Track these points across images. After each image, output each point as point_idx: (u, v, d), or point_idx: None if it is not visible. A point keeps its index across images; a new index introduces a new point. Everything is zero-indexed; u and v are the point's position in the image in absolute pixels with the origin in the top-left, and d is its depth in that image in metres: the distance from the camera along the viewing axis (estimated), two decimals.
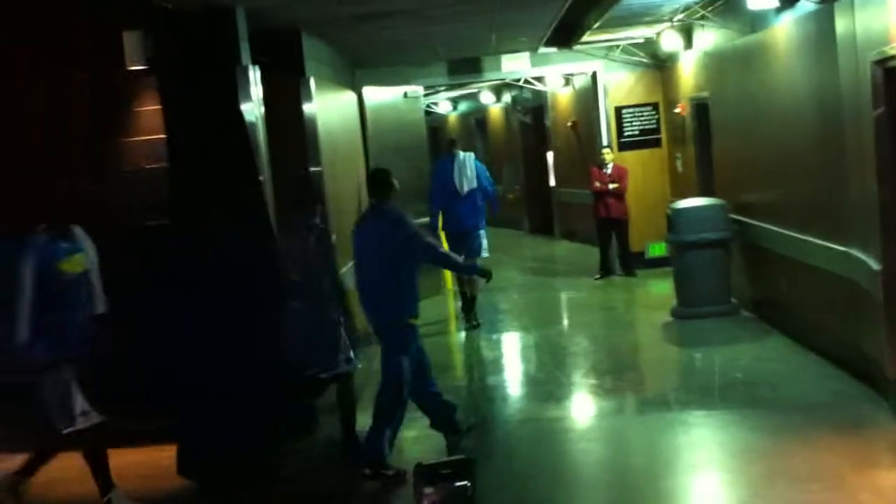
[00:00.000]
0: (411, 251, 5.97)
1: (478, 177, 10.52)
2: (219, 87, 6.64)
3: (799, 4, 7.40)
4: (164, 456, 6.35)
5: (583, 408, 7.66)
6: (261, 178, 6.77)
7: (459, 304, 10.84)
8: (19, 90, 6.92)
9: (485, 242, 10.44)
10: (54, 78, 6.90)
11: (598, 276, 12.57)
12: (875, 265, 6.27)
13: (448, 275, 12.25)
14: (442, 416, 6.43)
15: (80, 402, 5.50)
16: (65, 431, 5.45)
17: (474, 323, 10.38)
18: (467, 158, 10.62)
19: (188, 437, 6.15)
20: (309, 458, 6.57)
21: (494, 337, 10.18)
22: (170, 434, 6.25)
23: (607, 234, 12.54)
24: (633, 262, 12.58)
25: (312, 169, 8.41)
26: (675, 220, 9.81)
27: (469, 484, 1.53)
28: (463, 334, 10.36)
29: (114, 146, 7.00)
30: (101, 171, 6.93)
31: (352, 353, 6.45)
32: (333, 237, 6.63)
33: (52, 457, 5.73)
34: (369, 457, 5.89)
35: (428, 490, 1.56)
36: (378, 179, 6.22)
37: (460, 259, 7.58)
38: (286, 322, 6.24)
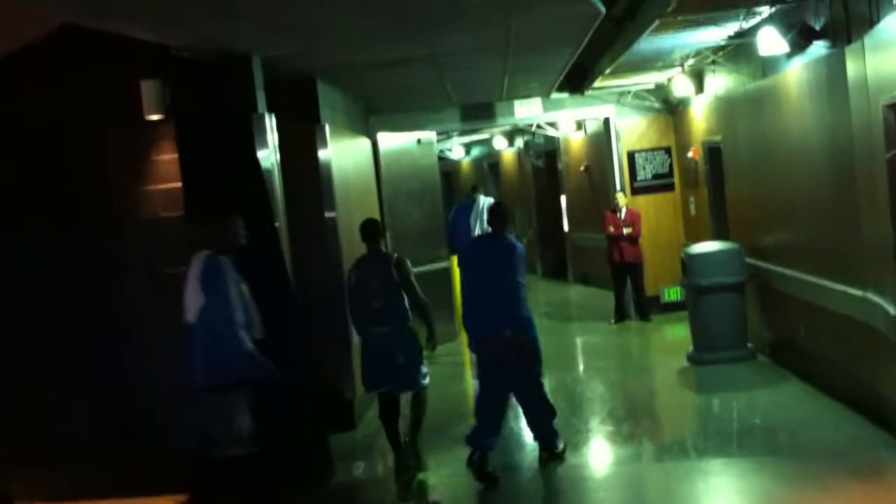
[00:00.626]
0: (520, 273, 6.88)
1: None
2: (235, 135, 6.71)
3: (810, 49, 7.45)
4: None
5: (600, 455, 7.60)
6: (276, 224, 6.82)
7: None
8: (35, 136, 6.99)
9: None
10: (73, 126, 6.97)
11: (613, 320, 12.53)
12: (892, 309, 6.23)
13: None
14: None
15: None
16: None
17: None
18: (486, 203, 11.96)
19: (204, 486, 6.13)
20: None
21: None
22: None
23: (622, 278, 12.53)
24: (649, 307, 12.55)
25: (327, 214, 8.46)
26: (689, 264, 9.79)
27: None
28: (472, 383, 10.31)
29: (133, 195, 7.05)
30: (119, 220, 6.98)
31: (424, 369, 7.11)
32: (409, 264, 7.20)
33: None
34: (551, 443, 7.02)
35: None
36: (498, 214, 7.17)
37: None
38: (372, 346, 6.85)
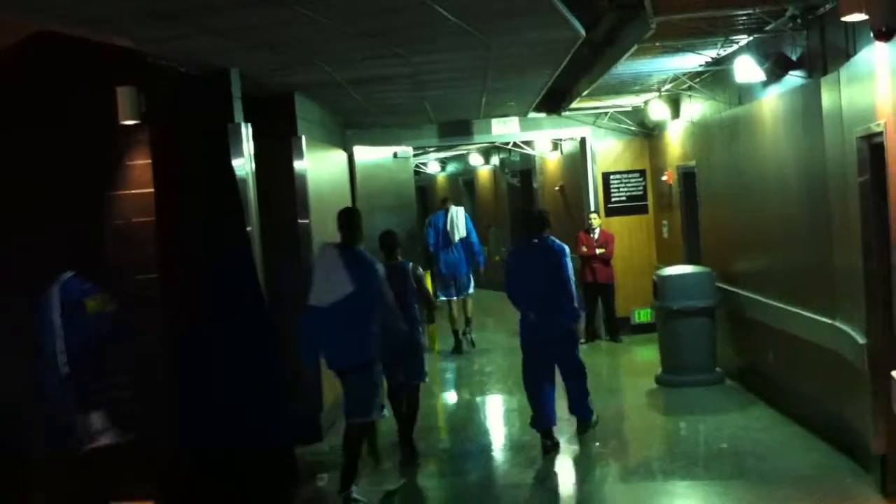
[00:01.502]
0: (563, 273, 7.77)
1: (467, 228, 13.04)
2: (211, 143, 6.69)
3: (786, 79, 7.53)
4: None
5: (566, 474, 7.59)
6: (249, 228, 6.80)
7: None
8: (14, 142, 6.92)
9: (472, 280, 13.15)
10: (49, 130, 6.90)
11: (583, 340, 12.54)
12: (860, 338, 6.28)
13: (434, 334, 12.26)
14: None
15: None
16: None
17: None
18: (458, 212, 13.17)
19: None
20: None
21: (479, 399, 10.13)
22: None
23: (594, 298, 12.56)
24: (619, 328, 12.59)
25: (300, 221, 8.46)
26: (661, 287, 9.84)
27: None
28: (448, 396, 10.31)
29: (105, 199, 6.98)
30: (92, 224, 6.91)
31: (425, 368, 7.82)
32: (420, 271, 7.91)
33: None
34: (587, 417, 8.06)
35: None
36: (536, 220, 8.13)
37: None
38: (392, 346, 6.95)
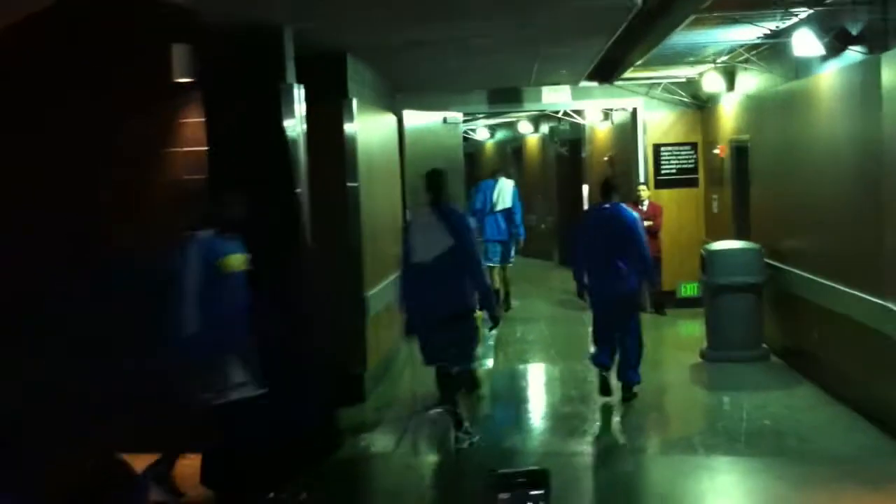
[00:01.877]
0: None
1: (512, 200, 13.26)
2: (263, 104, 6.72)
3: (845, 54, 7.38)
4: (187, 464, 6.37)
5: (606, 445, 7.60)
6: (298, 190, 6.84)
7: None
8: (67, 100, 7.01)
9: (512, 251, 13.40)
10: (102, 87, 6.98)
11: (651, 309, 12.49)
12: None
13: None
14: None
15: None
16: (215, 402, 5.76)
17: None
18: (508, 184, 13.48)
19: (213, 447, 6.17)
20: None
21: (521, 368, 10.15)
22: (195, 443, 6.26)
23: None
24: (665, 301, 12.51)
25: (349, 184, 8.49)
26: (708, 262, 9.75)
27: (543, 493, 1.57)
28: (489, 363, 10.33)
29: (158, 156, 7.07)
30: (144, 181, 7.00)
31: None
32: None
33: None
34: (635, 380, 8.35)
35: (503, 496, 1.59)
36: (610, 186, 8.51)
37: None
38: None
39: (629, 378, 8.33)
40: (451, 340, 7.00)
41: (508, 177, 14.21)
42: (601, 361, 8.45)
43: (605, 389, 8.36)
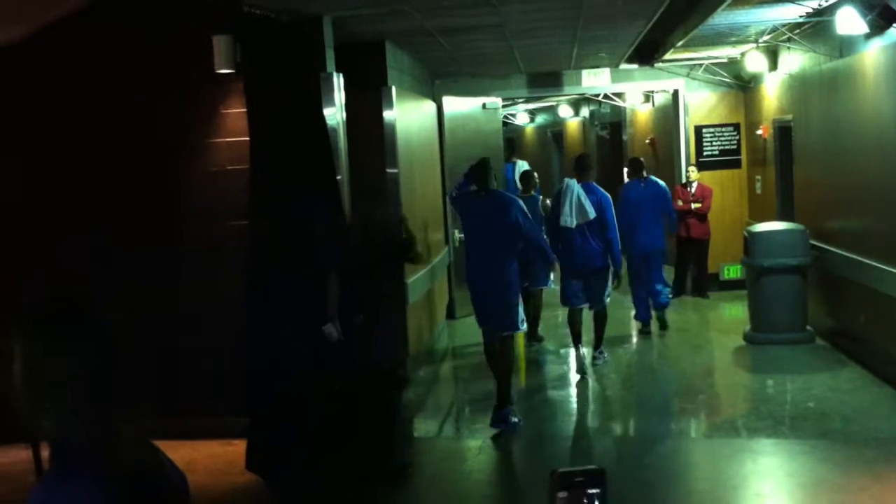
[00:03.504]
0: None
1: None
2: (303, 93, 6.77)
3: (889, 31, 7.26)
4: (232, 451, 6.48)
5: (650, 427, 7.60)
6: (339, 177, 6.90)
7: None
8: (112, 88, 7.12)
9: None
10: (145, 78, 7.09)
11: (671, 296, 12.43)
12: None
13: None
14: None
15: None
16: None
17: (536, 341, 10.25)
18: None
19: (257, 433, 6.26)
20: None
21: (563, 352, 10.14)
22: (239, 429, 6.37)
23: (686, 254, 12.39)
24: (708, 284, 12.43)
25: (389, 170, 8.53)
26: (752, 244, 9.67)
27: (600, 492, 1.61)
28: (527, 347, 10.34)
29: (201, 146, 7.17)
30: (187, 171, 7.11)
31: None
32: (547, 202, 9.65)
33: None
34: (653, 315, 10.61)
35: (562, 494, 1.63)
36: (637, 164, 10.88)
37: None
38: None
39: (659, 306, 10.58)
40: (590, 286, 8.94)
41: (551, 162, 14.43)
42: (640, 312, 10.58)
43: (646, 331, 10.42)
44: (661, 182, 10.68)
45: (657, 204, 10.42)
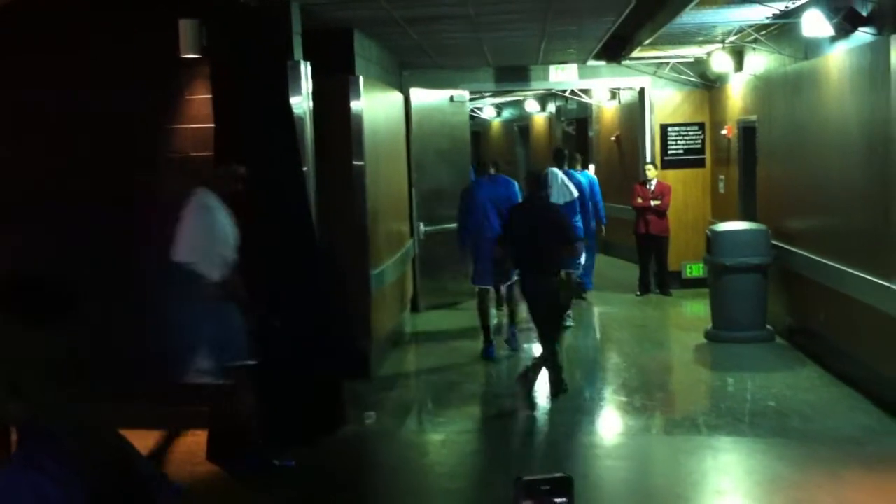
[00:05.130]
0: None
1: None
2: (270, 80, 6.70)
3: (855, 35, 7.34)
4: (193, 441, 6.41)
5: (610, 424, 7.63)
6: (305, 168, 6.84)
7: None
8: (71, 71, 7.00)
9: None
10: (108, 61, 6.98)
11: (638, 292, 12.52)
12: None
13: None
14: None
15: None
16: None
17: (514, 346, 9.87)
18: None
19: (218, 423, 6.20)
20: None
21: (526, 346, 10.15)
22: (200, 419, 6.30)
23: (647, 251, 12.48)
24: (670, 281, 12.51)
25: (355, 163, 8.48)
26: (714, 242, 9.74)
27: (566, 500, 1.58)
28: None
29: (164, 132, 7.07)
30: (150, 158, 7.00)
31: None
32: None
33: None
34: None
35: (526, 503, 1.60)
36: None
37: None
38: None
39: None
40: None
41: (517, 157, 14.22)
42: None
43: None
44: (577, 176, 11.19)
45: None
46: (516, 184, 9.74)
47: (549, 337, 7.90)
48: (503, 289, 9.65)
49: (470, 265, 9.42)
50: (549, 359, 7.83)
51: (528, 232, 7.80)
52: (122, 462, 1.95)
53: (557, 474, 1.73)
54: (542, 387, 8.21)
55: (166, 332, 5.90)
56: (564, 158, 11.06)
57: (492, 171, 9.79)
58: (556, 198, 9.76)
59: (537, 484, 1.73)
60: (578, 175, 11.34)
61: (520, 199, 9.08)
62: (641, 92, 13.22)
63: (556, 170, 10.40)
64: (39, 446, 1.84)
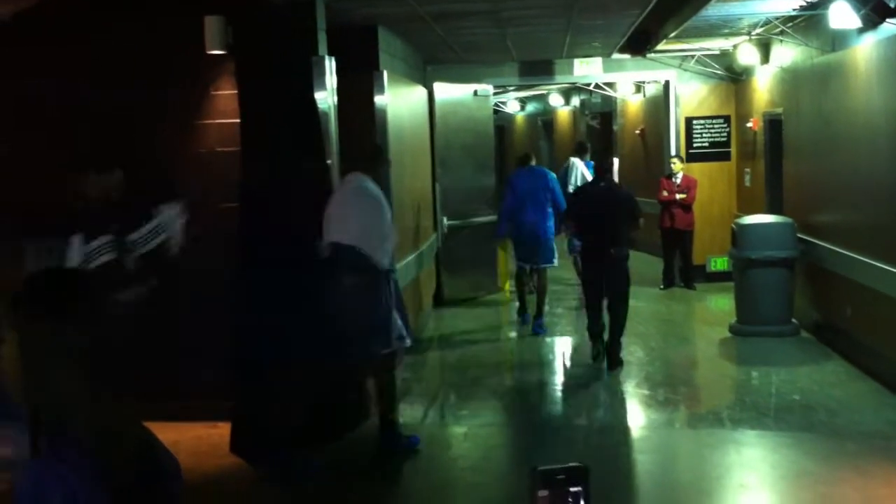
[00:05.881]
0: None
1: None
2: (295, 76, 6.74)
3: (882, 27, 7.27)
4: (216, 433, 6.47)
5: (635, 418, 7.62)
6: (329, 162, 6.87)
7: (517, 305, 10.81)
8: (99, 64, 7.06)
9: None
10: (137, 57, 7.03)
11: (662, 286, 12.48)
12: None
13: (503, 271, 12.25)
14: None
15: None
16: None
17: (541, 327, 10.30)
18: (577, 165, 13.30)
19: (242, 416, 6.25)
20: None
21: (549, 340, 10.17)
22: (224, 412, 6.35)
23: (672, 244, 12.43)
24: (694, 275, 12.47)
25: None
26: (740, 236, 9.70)
27: (582, 490, 1.60)
28: (514, 335, 10.36)
29: (191, 128, 7.12)
30: (177, 152, 7.06)
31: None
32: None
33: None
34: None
35: (542, 493, 1.62)
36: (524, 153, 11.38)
37: None
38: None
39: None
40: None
41: (540, 150, 14.50)
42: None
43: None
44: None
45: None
46: (552, 174, 10.69)
47: (618, 307, 8.57)
48: (535, 276, 10.52)
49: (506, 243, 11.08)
50: (615, 331, 8.55)
51: (600, 210, 8.48)
52: (147, 458, 1.98)
53: (573, 464, 1.74)
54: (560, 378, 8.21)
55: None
56: (586, 151, 12.96)
57: (533, 162, 10.71)
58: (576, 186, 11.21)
59: (553, 473, 1.74)
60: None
61: (556, 186, 10.24)
62: (666, 85, 13.16)
63: (576, 160, 12.40)
64: (64, 441, 1.88)
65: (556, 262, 10.24)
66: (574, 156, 13.05)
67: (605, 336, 8.61)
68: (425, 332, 10.32)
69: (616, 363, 8.52)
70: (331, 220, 6.17)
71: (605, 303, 8.61)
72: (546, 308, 10.41)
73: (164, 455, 2.05)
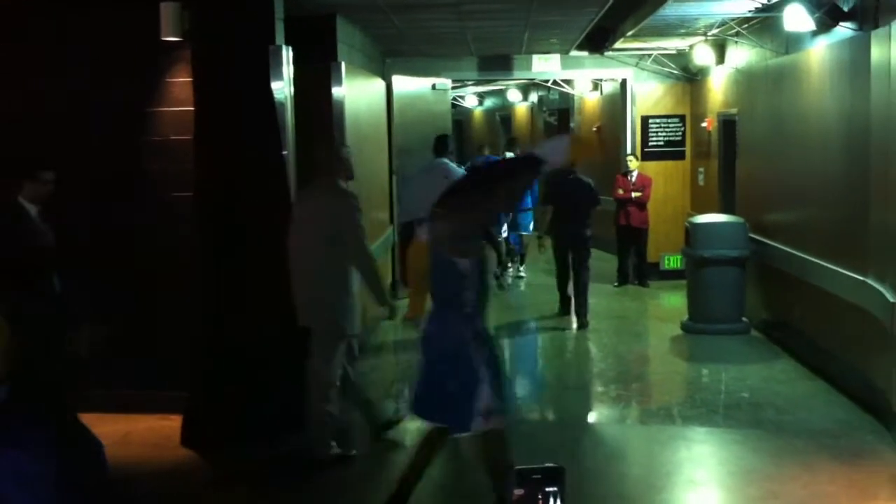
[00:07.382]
0: None
1: None
2: (251, 65, 6.67)
3: (835, 30, 7.38)
4: (168, 425, 6.40)
5: (586, 413, 7.67)
6: (284, 153, 6.81)
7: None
8: (53, 54, 6.95)
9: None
10: (88, 44, 6.92)
11: (616, 283, 12.57)
12: (891, 296, 6.26)
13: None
14: None
15: None
16: None
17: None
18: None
19: (194, 408, 6.20)
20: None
21: (502, 335, 10.18)
22: (176, 404, 6.29)
23: (627, 242, 12.52)
24: (648, 273, 12.57)
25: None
26: (693, 234, 9.80)
27: (558, 489, 1.60)
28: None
29: (144, 116, 7.02)
30: (131, 140, 6.96)
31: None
32: None
33: None
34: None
35: (518, 492, 1.62)
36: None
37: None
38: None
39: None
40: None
41: (499, 147, 14.55)
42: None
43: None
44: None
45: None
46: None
47: (581, 272, 10.21)
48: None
49: None
50: (580, 291, 10.13)
51: (568, 197, 10.17)
52: (76, 445, 1.97)
53: (549, 464, 1.75)
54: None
55: None
56: (516, 145, 14.32)
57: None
58: None
59: (529, 473, 1.75)
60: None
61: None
62: (623, 83, 13.25)
63: (512, 155, 13.07)
64: (17, 425, 1.86)
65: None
66: (507, 149, 14.29)
67: (570, 293, 10.27)
68: (378, 333, 10.29)
69: (583, 324, 10.04)
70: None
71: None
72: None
73: (91, 440, 2.04)
